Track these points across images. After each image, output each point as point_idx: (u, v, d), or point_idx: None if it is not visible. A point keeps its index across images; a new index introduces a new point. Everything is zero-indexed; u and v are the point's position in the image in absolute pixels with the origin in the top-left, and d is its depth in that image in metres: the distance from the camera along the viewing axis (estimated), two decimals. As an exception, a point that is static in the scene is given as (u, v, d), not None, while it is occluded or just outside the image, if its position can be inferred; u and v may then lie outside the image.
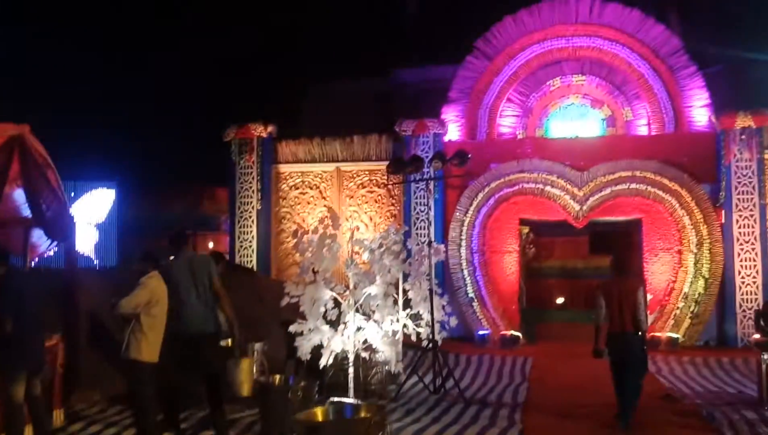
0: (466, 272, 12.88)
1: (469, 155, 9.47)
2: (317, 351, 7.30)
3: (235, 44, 20.49)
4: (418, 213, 13.13)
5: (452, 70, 14.10)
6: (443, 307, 9.42)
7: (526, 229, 14.85)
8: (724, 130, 12.17)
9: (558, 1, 13.56)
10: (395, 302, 8.62)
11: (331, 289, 7.19)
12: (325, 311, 7.20)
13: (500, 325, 12.51)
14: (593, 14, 13.31)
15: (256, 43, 19.88)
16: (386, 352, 7.33)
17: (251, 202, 13.73)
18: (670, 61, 13.08)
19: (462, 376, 9.83)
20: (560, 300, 14.76)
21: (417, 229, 12.95)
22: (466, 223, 13.01)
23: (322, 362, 7.17)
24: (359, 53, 19.31)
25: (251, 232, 13.67)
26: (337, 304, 7.31)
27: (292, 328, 7.16)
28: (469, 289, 12.79)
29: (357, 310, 7.34)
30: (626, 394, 6.80)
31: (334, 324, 7.25)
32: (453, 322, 9.63)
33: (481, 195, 13.01)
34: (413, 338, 9.07)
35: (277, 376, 6.27)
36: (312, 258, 7.07)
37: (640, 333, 6.77)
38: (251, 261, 13.52)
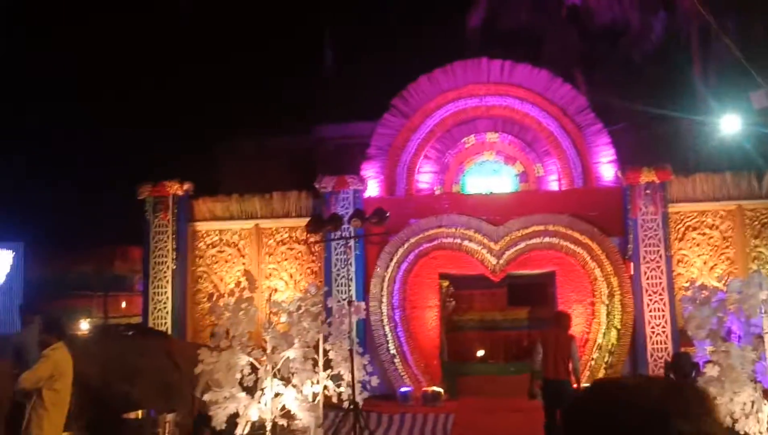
0: (387, 329, 12.83)
1: (388, 213, 9.54)
2: (233, 420, 7.05)
3: (151, 99, 20.18)
4: (338, 270, 13.05)
5: (372, 127, 14.31)
6: (364, 366, 9.31)
7: (446, 283, 14.98)
8: (629, 184, 12.72)
9: (470, 62, 14.06)
10: (315, 363, 8.46)
11: (248, 354, 7.00)
12: (242, 377, 6.98)
13: (422, 381, 12.46)
14: (504, 74, 13.84)
15: (175, 98, 19.64)
16: (305, 419, 7.14)
17: (165, 262, 13.33)
18: (577, 118, 13.68)
19: (385, 436, 9.69)
20: (480, 352, 14.87)
21: (338, 285, 12.85)
22: (386, 279, 13.01)
23: (238, 432, 6.92)
24: (280, 110, 19.34)
25: (166, 292, 13.23)
26: (254, 369, 7.11)
27: (206, 397, 6.89)
28: (391, 345, 12.73)
29: (275, 375, 7.15)
30: (554, 432, 7.48)
31: (251, 390, 7.03)
32: (374, 381, 9.52)
33: (401, 250, 13.08)
34: (334, 400, 8.90)
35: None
36: (228, 322, 6.88)
37: (574, 384, 7.70)
38: (165, 323, 13.04)
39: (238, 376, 6.92)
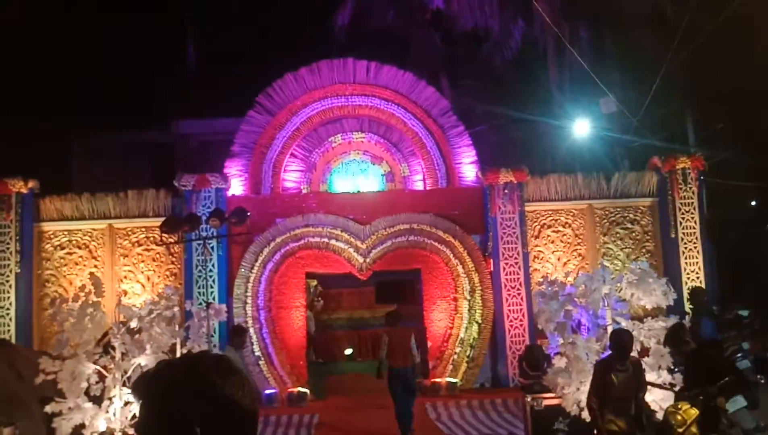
0: (252, 330, 12.52)
1: (249, 213, 9.32)
2: (80, 431, 6.57)
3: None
4: (200, 271, 12.58)
5: (237, 123, 13.96)
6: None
7: (314, 282, 14.87)
8: (489, 184, 13.15)
9: (336, 62, 14.04)
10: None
11: (95, 362, 6.55)
12: (88, 387, 6.52)
13: (288, 383, 12.28)
14: (370, 75, 13.91)
15: (26, 88, 18.22)
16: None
17: (9, 265, 12.28)
18: (441, 120, 13.99)
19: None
20: (348, 351, 14.87)
21: (199, 287, 12.40)
22: (251, 280, 12.71)
23: (84, 444, 6.47)
24: (136, 104, 18.43)
25: (9, 298, 12.17)
26: (102, 378, 6.66)
27: (48, 408, 6.37)
28: (256, 347, 12.44)
29: (125, 384, 6.73)
30: (406, 415, 9.20)
31: (98, 400, 6.59)
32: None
33: (266, 250, 12.82)
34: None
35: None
36: (72, 328, 6.40)
37: (413, 367, 9.53)
38: (9, 330, 12.00)
39: (84, 385, 6.45)
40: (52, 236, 12.88)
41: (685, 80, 16.17)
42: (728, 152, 15.50)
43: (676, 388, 6.88)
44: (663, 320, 7.50)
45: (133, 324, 6.81)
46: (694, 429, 5.89)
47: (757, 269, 16.99)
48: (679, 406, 6.10)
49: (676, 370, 7.09)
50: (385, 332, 9.92)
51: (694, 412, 5.96)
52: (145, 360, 6.72)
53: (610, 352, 6.19)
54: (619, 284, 7.56)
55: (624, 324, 7.17)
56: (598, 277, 7.23)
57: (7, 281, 12.23)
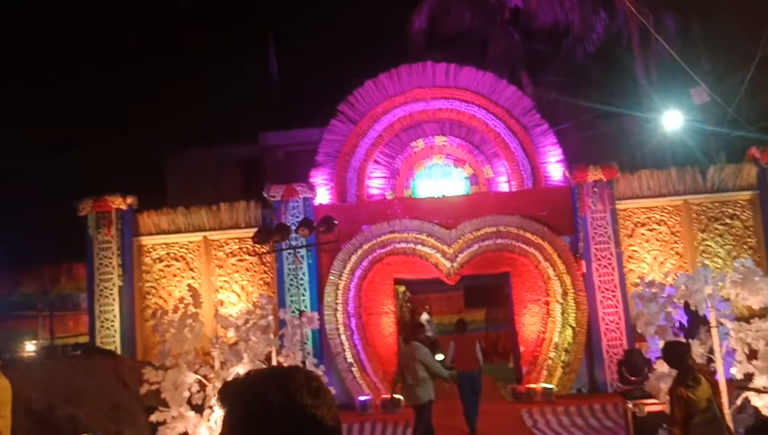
0: (344, 337, 12.66)
1: (336, 221, 9.40)
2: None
3: (96, 112, 19.64)
4: (291, 279, 12.83)
5: (321, 133, 14.16)
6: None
7: (402, 288, 14.90)
8: (577, 183, 12.82)
9: (416, 66, 14.04)
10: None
11: (196, 372, 6.75)
12: (190, 396, 6.74)
13: (381, 389, 12.32)
14: (449, 78, 13.84)
15: (119, 110, 19.15)
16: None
17: (111, 279, 12.90)
18: (524, 120, 13.75)
19: (342, 447, 9.50)
20: (439, 357, 14.78)
21: (291, 295, 12.64)
22: (341, 287, 12.85)
23: (190, 452, 6.67)
24: (226, 119, 19.03)
25: (113, 310, 12.79)
26: (203, 387, 6.87)
27: (153, 417, 6.62)
28: (348, 354, 12.56)
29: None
30: (472, 413, 9.91)
31: (200, 409, 6.79)
32: (332, 391, 9.34)
33: (354, 257, 12.94)
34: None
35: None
36: (173, 339, 6.63)
37: (479, 370, 10.12)
38: (114, 341, 12.62)
39: (186, 394, 6.67)
40: (150, 250, 13.43)
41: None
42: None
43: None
44: (773, 320, 7.07)
45: (230, 334, 6.99)
46: None
47: None
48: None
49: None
50: (453, 339, 10.69)
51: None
52: (242, 368, 6.89)
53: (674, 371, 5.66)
54: (721, 283, 7.18)
55: (729, 325, 6.81)
56: (699, 277, 6.88)
57: (111, 294, 12.84)
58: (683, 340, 5.99)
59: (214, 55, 21.08)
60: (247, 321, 7.11)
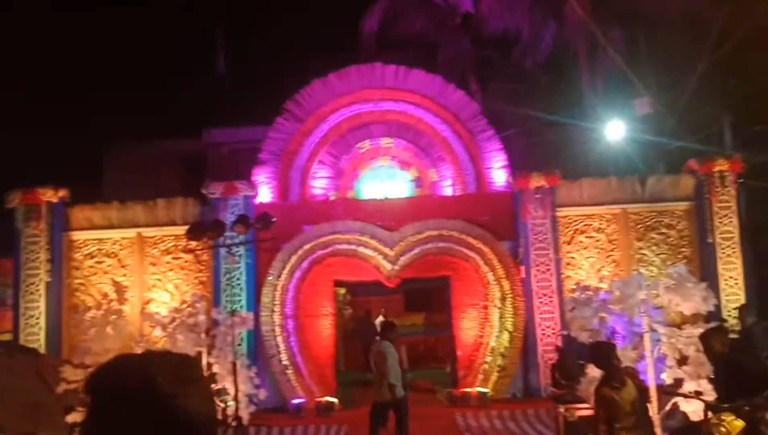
0: (279, 339, 12.39)
1: (274, 218, 9.19)
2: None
3: (32, 100, 18.88)
4: (228, 279, 12.51)
5: (267, 131, 13.88)
6: (251, 378, 8.94)
7: (342, 290, 14.73)
8: (520, 189, 12.87)
9: (365, 67, 13.95)
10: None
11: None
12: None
13: (316, 392, 12.11)
14: (398, 79, 13.76)
15: (50, 98, 18.43)
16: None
17: (39, 274, 12.33)
18: (470, 124, 13.76)
19: (273, 451, 9.29)
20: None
21: (227, 295, 12.32)
22: (279, 288, 12.59)
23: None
24: (168, 113, 18.55)
25: (38, 307, 12.20)
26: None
27: (69, 418, 6.29)
28: (284, 356, 12.29)
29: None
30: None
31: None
32: (262, 394, 9.16)
33: (294, 258, 12.71)
34: (219, 416, 8.45)
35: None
36: (94, 337, 6.32)
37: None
38: (38, 339, 11.99)
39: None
40: (82, 245, 12.92)
41: (721, 81, 15.70)
42: (766, 154, 14.98)
43: (706, 397, 6.54)
44: (702, 327, 7.16)
45: (156, 332, 6.71)
46: None
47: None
48: (723, 418, 5.76)
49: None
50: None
51: (740, 424, 5.62)
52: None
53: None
54: (655, 291, 7.26)
55: (662, 331, 6.87)
56: (633, 283, 6.93)
57: (37, 290, 12.28)
58: (611, 341, 5.96)
59: (161, 45, 20.52)
60: (173, 319, 6.83)
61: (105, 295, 7.04)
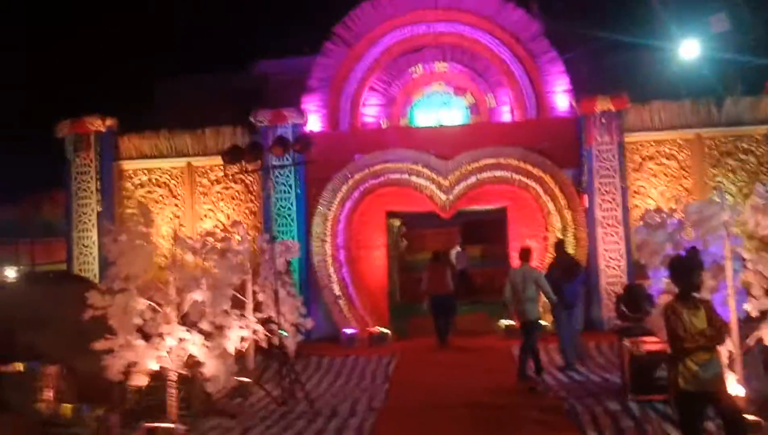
0: (332, 269, 12.13)
1: (313, 140, 8.71)
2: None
3: (88, 37, 18.78)
4: (279, 208, 12.24)
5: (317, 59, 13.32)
6: (297, 308, 8.69)
7: (397, 222, 14.31)
8: (584, 114, 12.04)
9: (417, -15, 13.08)
10: (244, 306, 7.77)
11: (149, 299, 6.18)
12: (144, 323, 6.18)
13: (368, 323, 11.86)
14: (453, -1, 12.89)
15: (114, 37, 18.27)
16: (210, 367, 6.38)
17: (90, 204, 12.32)
18: (530, 46, 12.87)
19: (321, 380, 9.06)
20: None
21: (279, 225, 12.09)
22: (330, 218, 12.26)
23: (137, 382, 6.16)
24: (217, 46, 18.17)
25: (91, 236, 12.26)
26: (155, 313, 6.30)
27: (97, 345, 6.07)
28: (335, 286, 12.04)
29: (183, 321, 6.36)
30: (444, 330, 11.30)
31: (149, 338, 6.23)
32: (309, 323, 8.92)
33: (345, 187, 12.30)
34: (265, 345, 8.24)
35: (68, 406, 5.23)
36: (123, 261, 6.05)
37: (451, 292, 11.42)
38: (92, 269, 12.13)
39: (138, 321, 6.11)
40: (132, 175, 12.83)
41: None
42: None
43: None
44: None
45: (189, 257, 6.42)
46: None
47: None
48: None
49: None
50: (428, 267, 11.87)
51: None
52: (202, 295, 6.33)
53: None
54: (738, 213, 6.40)
55: (747, 256, 6.13)
56: (714, 204, 6.14)
57: (90, 220, 12.29)
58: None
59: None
60: (204, 244, 6.52)
61: (131, 216, 6.79)
